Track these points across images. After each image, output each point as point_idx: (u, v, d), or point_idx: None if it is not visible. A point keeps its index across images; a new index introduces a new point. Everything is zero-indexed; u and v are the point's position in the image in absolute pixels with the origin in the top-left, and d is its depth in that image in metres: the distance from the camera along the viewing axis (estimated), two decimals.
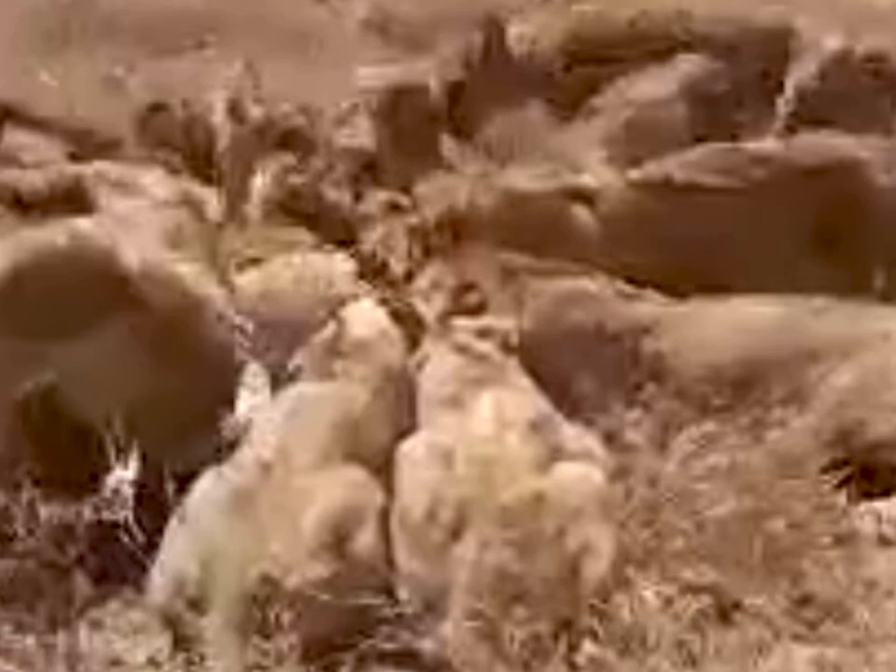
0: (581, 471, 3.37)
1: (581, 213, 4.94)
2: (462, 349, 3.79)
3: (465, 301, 4.32)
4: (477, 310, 4.28)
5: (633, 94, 6.19)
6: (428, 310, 4.28)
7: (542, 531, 3.17)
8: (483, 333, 3.90)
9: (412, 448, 3.46)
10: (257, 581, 3.12)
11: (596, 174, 5.24)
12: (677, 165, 5.12)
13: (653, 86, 6.25)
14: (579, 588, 3.12)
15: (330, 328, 3.84)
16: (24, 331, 3.69)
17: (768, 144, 5.34)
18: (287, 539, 3.18)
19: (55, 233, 3.85)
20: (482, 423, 3.48)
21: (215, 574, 3.19)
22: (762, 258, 4.85)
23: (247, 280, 4.36)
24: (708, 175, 5.03)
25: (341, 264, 4.54)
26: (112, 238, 3.93)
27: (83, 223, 3.98)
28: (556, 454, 3.42)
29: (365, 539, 3.25)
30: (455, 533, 3.20)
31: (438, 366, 3.80)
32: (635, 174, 5.11)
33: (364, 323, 3.89)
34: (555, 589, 3.11)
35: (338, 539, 3.21)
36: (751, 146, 5.29)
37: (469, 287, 4.38)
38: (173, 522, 3.42)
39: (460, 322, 4.03)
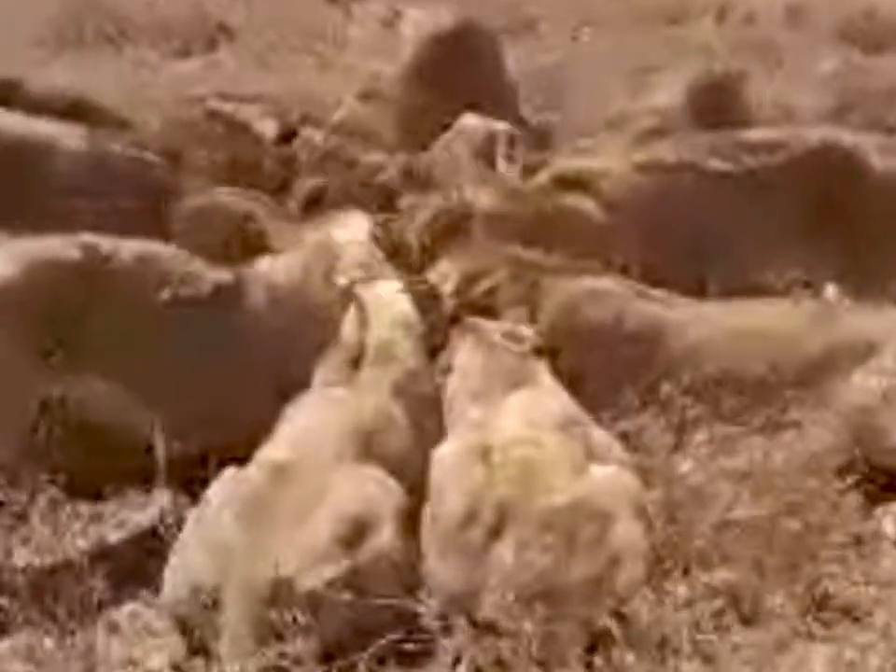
0: (616, 474, 3.36)
1: (584, 202, 4.92)
2: (494, 346, 3.80)
3: (474, 290, 4.32)
4: (486, 298, 4.28)
5: (650, 103, 6.18)
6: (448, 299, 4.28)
7: (580, 535, 3.16)
8: (510, 336, 3.90)
9: (448, 451, 3.45)
10: (272, 583, 3.11)
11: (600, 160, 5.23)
12: (677, 148, 5.13)
13: (666, 93, 6.24)
14: (614, 590, 3.10)
15: (352, 329, 3.83)
16: (38, 340, 3.70)
17: (768, 132, 5.34)
18: (301, 540, 3.17)
19: (68, 247, 3.85)
20: (515, 423, 3.48)
21: (230, 576, 3.18)
22: (759, 240, 4.88)
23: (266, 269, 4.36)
24: (710, 158, 5.04)
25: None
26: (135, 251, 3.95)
27: (98, 239, 3.96)
28: (589, 455, 3.42)
29: (381, 539, 3.23)
30: (494, 535, 3.19)
31: (468, 362, 3.80)
32: (639, 155, 5.11)
33: (387, 324, 3.88)
34: (589, 591, 3.09)
35: (353, 539, 3.19)
36: (752, 133, 5.30)
37: (478, 276, 4.36)
38: (188, 523, 3.43)
39: (487, 323, 4.03)
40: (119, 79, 6.87)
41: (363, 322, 3.86)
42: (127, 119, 5.70)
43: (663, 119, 5.99)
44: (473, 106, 6.02)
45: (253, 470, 3.39)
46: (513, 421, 3.49)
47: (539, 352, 3.85)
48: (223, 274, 4.12)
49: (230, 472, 3.42)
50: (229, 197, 5.10)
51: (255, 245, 4.73)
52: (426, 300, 4.12)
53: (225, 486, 3.38)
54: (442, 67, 6.34)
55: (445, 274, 4.45)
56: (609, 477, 3.33)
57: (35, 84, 5.54)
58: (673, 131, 5.77)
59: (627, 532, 3.19)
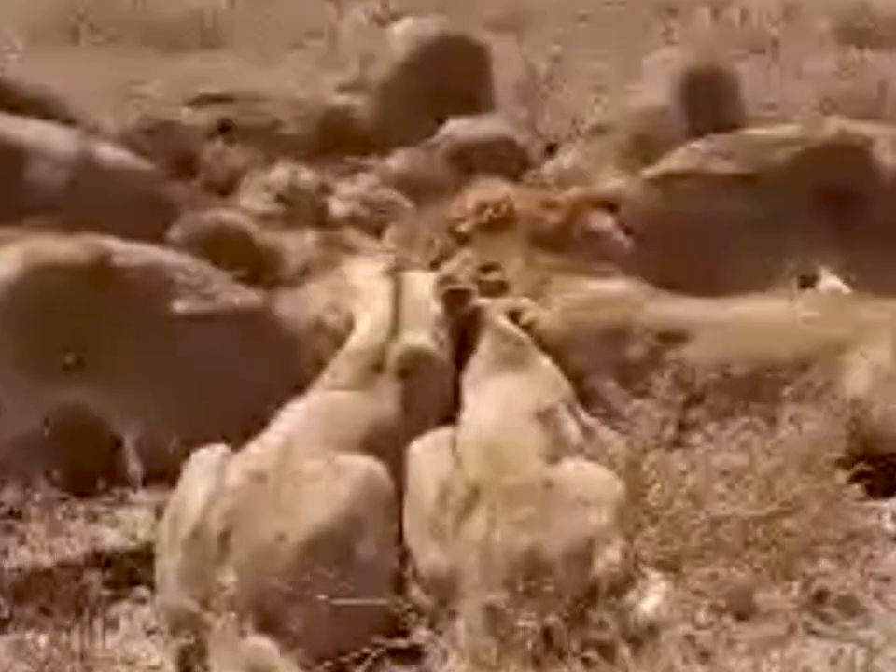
0: (587, 468, 3.35)
1: (604, 219, 4.96)
2: (499, 330, 3.82)
3: (485, 281, 4.34)
4: (497, 290, 4.31)
5: (633, 105, 6.17)
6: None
7: (551, 510, 3.13)
8: (512, 314, 3.91)
9: (418, 446, 3.45)
10: (268, 583, 3.08)
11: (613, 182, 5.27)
12: (687, 156, 5.14)
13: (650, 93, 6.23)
14: (589, 578, 3.07)
15: (374, 330, 3.82)
16: (38, 342, 3.70)
17: (773, 129, 5.35)
18: (296, 541, 3.14)
19: (76, 248, 3.83)
20: (488, 410, 3.50)
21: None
22: (773, 239, 4.90)
23: None
24: (717, 162, 5.05)
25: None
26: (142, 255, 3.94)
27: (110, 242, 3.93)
28: (561, 447, 3.42)
29: (373, 539, 3.22)
30: (467, 511, 3.17)
31: (475, 353, 3.81)
32: (649, 171, 5.13)
33: (419, 328, 3.83)
34: (567, 574, 3.05)
35: (346, 540, 3.18)
36: (756, 131, 5.30)
37: (490, 268, 4.39)
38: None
39: (491, 302, 4.05)
40: (109, 77, 6.87)
41: (394, 326, 3.81)
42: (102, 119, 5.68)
43: (654, 119, 5.99)
44: (456, 111, 6.06)
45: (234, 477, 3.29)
46: (486, 408, 3.51)
47: (530, 329, 3.88)
48: (244, 293, 4.09)
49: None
50: (231, 214, 5.04)
51: (262, 268, 4.69)
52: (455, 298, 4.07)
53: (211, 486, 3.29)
54: (427, 72, 6.34)
55: (462, 263, 4.49)
56: (577, 468, 3.32)
57: (9, 81, 5.49)
58: (665, 130, 5.78)
59: (600, 521, 3.16)
